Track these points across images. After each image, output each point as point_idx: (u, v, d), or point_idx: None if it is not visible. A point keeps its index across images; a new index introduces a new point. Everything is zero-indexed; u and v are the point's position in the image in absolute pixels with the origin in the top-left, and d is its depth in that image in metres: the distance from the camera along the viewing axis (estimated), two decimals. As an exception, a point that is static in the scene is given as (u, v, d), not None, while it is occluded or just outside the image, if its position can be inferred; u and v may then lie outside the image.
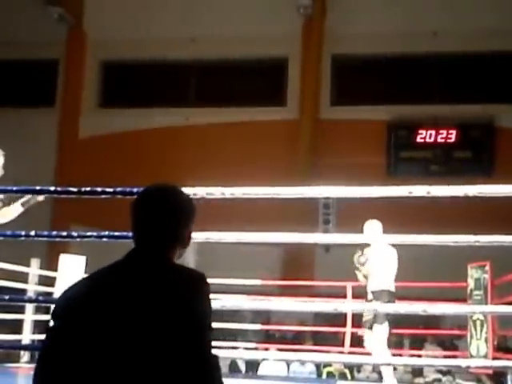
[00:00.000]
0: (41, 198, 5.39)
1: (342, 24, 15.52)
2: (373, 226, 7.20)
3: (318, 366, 10.72)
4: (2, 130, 13.52)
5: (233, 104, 16.09)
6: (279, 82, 16.40)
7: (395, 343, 10.50)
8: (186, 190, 2.88)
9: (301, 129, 15.61)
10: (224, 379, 2.05)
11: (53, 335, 2.06)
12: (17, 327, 9.40)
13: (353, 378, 10.57)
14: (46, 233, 4.79)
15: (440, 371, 9.88)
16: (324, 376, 10.63)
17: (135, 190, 3.93)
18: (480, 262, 8.63)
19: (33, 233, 4.36)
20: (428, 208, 9.79)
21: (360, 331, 7.82)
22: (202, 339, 2.00)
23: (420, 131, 15.21)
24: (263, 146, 15.25)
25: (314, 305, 6.88)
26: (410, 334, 11.36)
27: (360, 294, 7.73)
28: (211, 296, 2.11)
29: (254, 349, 10.38)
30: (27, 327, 9.35)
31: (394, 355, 7.74)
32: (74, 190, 4.37)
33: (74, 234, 4.53)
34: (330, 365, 10.50)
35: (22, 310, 9.32)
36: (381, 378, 7.32)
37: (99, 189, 4.28)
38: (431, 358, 10.11)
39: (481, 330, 8.34)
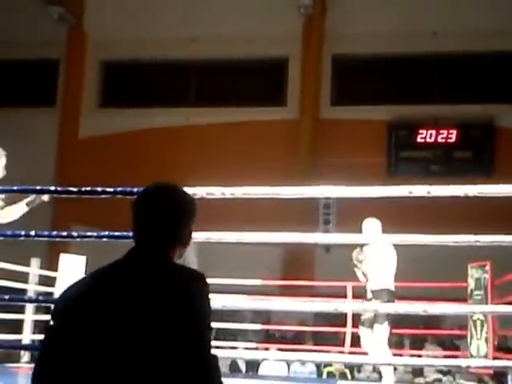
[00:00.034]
0: (46, 198, 5.38)
1: (343, 24, 15.52)
2: (371, 225, 7.21)
3: (318, 365, 10.72)
4: (2, 130, 13.51)
5: (233, 104, 16.09)
6: (279, 82, 16.40)
7: (396, 343, 10.50)
8: (187, 190, 2.87)
9: (301, 129, 15.61)
10: (224, 379, 2.05)
11: (52, 335, 2.06)
12: (17, 327, 9.40)
13: (353, 378, 10.57)
14: (46, 233, 4.79)
15: (440, 371, 9.88)
16: (324, 376, 10.62)
17: (135, 189, 3.93)
18: (480, 262, 8.62)
19: (33, 233, 4.36)
20: (428, 208, 9.79)
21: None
22: (201, 339, 1.99)
23: (420, 131, 15.22)
24: (263, 145, 15.25)
25: (315, 305, 6.88)
26: (410, 333, 11.35)
27: (360, 294, 7.72)
28: (211, 296, 2.11)
29: (255, 349, 10.38)
30: (27, 327, 9.35)
31: (394, 355, 7.73)
32: (74, 189, 4.37)
33: (74, 233, 4.53)
34: (330, 365, 10.50)
35: (22, 310, 9.32)
36: (381, 378, 7.32)
37: (99, 189, 4.28)
38: (431, 358, 10.11)
39: (481, 330, 8.33)
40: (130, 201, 2.27)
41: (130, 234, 2.25)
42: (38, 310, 9.69)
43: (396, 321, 7.57)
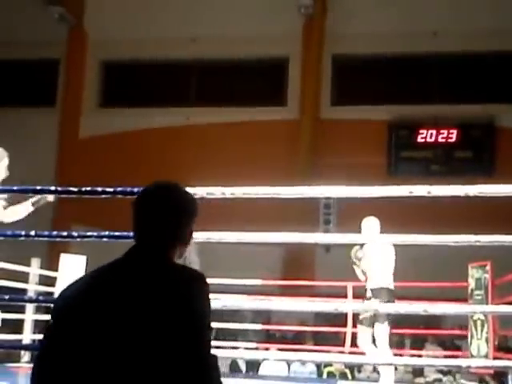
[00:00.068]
0: (51, 198, 5.39)
1: (343, 24, 15.52)
2: (370, 223, 7.21)
3: (318, 365, 10.72)
4: (2, 130, 13.51)
5: (233, 104, 16.09)
6: (280, 82, 16.40)
7: (396, 343, 10.50)
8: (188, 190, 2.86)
9: (301, 129, 15.61)
10: (224, 379, 2.05)
11: (51, 334, 2.06)
12: (17, 327, 9.40)
13: (353, 378, 10.56)
14: (46, 233, 4.78)
15: (441, 371, 9.88)
16: (325, 376, 10.62)
17: (135, 189, 3.93)
18: (481, 262, 8.62)
19: (33, 233, 4.36)
20: (428, 208, 9.79)
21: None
22: (200, 339, 1.99)
23: (421, 131, 15.21)
24: (264, 145, 15.25)
25: (315, 305, 6.88)
26: (410, 333, 11.35)
27: (361, 293, 7.72)
28: (211, 296, 2.11)
29: (255, 349, 10.38)
30: (28, 327, 9.35)
31: (394, 355, 7.73)
32: (75, 189, 4.37)
33: (75, 233, 4.53)
34: (330, 365, 10.50)
35: (22, 310, 9.32)
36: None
37: (99, 189, 4.27)
38: (432, 358, 10.10)
39: (481, 330, 8.33)
40: (131, 201, 2.27)
41: (131, 233, 2.25)
42: (38, 310, 9.69)
43: (396, 321, 7.57)
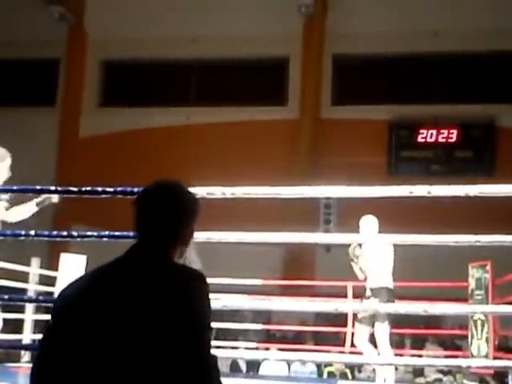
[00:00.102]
0: (55, 199, 5.38)
1: (343, 23, 15.52)
2: (368, 222, 7.21)
3: (318, 365, 10.71)
4: (2, 129, 13.49)
5: (233, 103, 16.09)
6: (280, 82, 16.40)
7: (396, 343, 10.49)
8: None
9: (301, 128, 15.61)
10: (225, 379, 2.05)
11: (51, 334, 2.06)
12: (17, 327, 9.39)
13: (354, 378, 10.56)
14: (46, 232, 4.77)
15: (441, 371, 9.87)
16: (325, 376, 10.62)
17: (136, 189, 3.93)
18: (481, 262, 8.61)
19: (33, 232, 4.36)
20: (429, 208, 9.79)
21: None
22: (200, 339, 1.99)
23: (421, 131, 15.21)
24: (264, 145, 15.25)
25: (315, 305, 6.87)
26: (411, 333, 11.35)
27: (361, 293, 7.71)
28: (211, 296, 2.10)
29: (255, 348, 10.38)
30: (28, 327, 9.34)
31: (395, 355, 7.72)
32: (75, 189, 4.36)
33: (75, 233, 4.52)
34: (330, 364, 10.49)
35: (22, 310, 9.31)
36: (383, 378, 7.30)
37: (99, 188, 4.27)
38: (432, 358, 10.10)
39: (482, 330, 8.33)
40: (131, 200, 2.27)
41: (131, 233, 2.25)
42: (38, 310, 9.69)
43: (397, 321, 7.56)
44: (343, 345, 9.65)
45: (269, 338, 12.69)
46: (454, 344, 11.63)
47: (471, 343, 8.61)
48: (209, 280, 2.12)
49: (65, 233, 4.64)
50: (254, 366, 10.79)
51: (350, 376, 10.55)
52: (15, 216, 5.38)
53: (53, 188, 4.60)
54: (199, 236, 3.95)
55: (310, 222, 13.80)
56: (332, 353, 9.15)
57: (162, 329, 1.93)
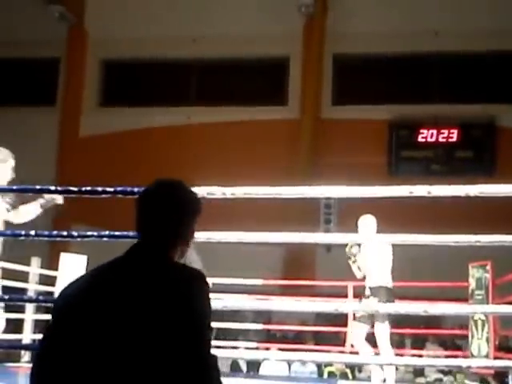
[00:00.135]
0: (60, 200, 5.38)
1: (344, 23, 15.52)
2: (367, 221, 7.20)
3: (319, 365, 10.70)
4: (2, 129, 13.50)
5: (234, 103, 16.09)
6: (280, 82, 16.40)
7: (397, 343, 10.49)
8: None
9: (302, 128, 15.60)
10: (225, 379, 2.04)
11: (51, 333, 2.05)
12: (17, 326, 9.38)
13: (354, 378, 10.55)
14: (46, 232, 4.77)
15: (441, 371, 9.87)
16: (325, 376, 10.61)
17: (136, 189, 3.92)
18: (481, 262, 8.61)
19: (33, 232, 4.35)
20: (429, 207, 9.78)
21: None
22: (200, 339, 1.98)
23: (421, 131, 15.21)
24: (264, 145, 15.25)
25: (315, 305, 6.87)
26: (411, 333, 11.34)
27: (361, 293, 7.71)
28: (212, 295, 2.10)
29: (255, 348, 10.37)
30: (28, 326, 9.34)
31: (395, 355, 7.71)
32: (75, 189, 4.36)
33: (75, 233, 4.51)
34: (331, 364, 10.48)
35: (22, 310, 9.30)
36: (384, 379, 7.30)
37: (99, 188, 4.26)
38: (432, 358, 10.09)
39: (482, 330, 8.32)
40: (131, 200, 2.26)
41: (131, 233, 2.24)
42: (38, 310, 9.68)
43: (397, 320, 7.55)
44: (343, 345, 9.65)
45: (269, 337, 12.67)
46: (455, 344, 11.62)
47: (471, 343, 8.61)
48: (209, 280, 2.11)
49: (65, 233, 4.63)
50: (254, 366, 10.78)
51: (350, 376, 10.54)
52: (23, 216, 5.36)
53: (53, 188, 4.60)
54: (199, 236, 3.94)
55: (311, 222, 13.79)
56: (332, 353, 9.15)
57: (162, 328, 1.93)
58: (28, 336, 9.25)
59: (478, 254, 7.96)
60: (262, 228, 4.59)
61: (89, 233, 4.43)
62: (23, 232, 4.38)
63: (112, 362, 1.90)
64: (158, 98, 16.59)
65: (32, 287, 9.50)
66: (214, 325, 2.08)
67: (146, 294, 1.99)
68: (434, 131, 15.15)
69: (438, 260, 10.89)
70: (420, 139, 15.22)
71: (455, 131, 15.07)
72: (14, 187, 4.66)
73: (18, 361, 8.72)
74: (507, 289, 8.25)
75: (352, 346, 7.77)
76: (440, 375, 9.93)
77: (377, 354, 7.07)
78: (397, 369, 8.17)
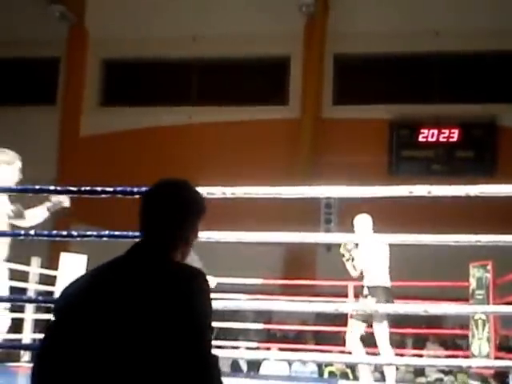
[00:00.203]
0: (67, 203, 5.37)
1: (345, 23, 15.51)
2: (362, 221, 7.19)
3: (319, 365, 10.70)
4: (2, 128, 13.52)
5: (235, 103, 16.09)
6: (281, 81, 16.40)
7: (398, 343, 10.48)
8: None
9: (302, 128, 15.60)
10: (225, 378, 2.03)
11: (52, 333, 2.05)
12: (17, 326, 9.37)
13: (354, 378, 10.54)
14: (45, 232, 4.75)
15: (442, 371, 9.86)
16: (326, 375, 10.60)
17: (136, 189, 3.91)
18: (482, 262, 8.60)
19: (32, 232, 4.34)
20: (429, 207, 9.77)
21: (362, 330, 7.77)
22: (201, 338, 1.98)
23: (422, 130, 15.21)
24: (265, 145, 15.25)
25: (315, 305, 6.86)
26: (412, 333, 11.33)
27: (360, 293, 7.70)
28: (212, 295, 2.09)
29: (256, 348, 10.36)
30: (28, 326, 9.33)
31: (396, 355, 7.71)
32: (74, 189, 4.35)
33: (74, 233, 4.50)
34: (331, 364, 10.47)
35: (22, 309, 9.29)
36: (383, 378, 7.30)
37: (99, 188, 4.25)
38: (433, 358, 10.08)
39: (483, 330, 8.31)
40: (131, 200, 2.26)
41: (131, 233, 2.24)
42: (38, 310, 9.67)
43: (398, 320, 7.54)
44: (344, 344, 9.64)
45: (269, 337, 12.68)
46: (455, 344, 11.62)
47: (472, 343, 8.60)
48: (209, 279, 2.10)
49: (65, 232, 4.62)
50: (254, 366, 10.78)
51: (350, 376, 10.54)
52: (30, 220, 5.35)
53: (52, 188, 4.59)
54: (199, 236, 3.93)
55: (311, 222, 13.79)
56: (333, 353, 9.14)
57: (162, 328, 1.93)
58: (28, 336, 9.24)
59: (479, 254, 7.96)
60: (262, 228, 4.58)
61: (89, 232, 4.42)
62: (23, 232, 4.37)
63: (113, 361, 1.90)
64: (159, 97, 16.58)
65: (32, 287, 9.49)
66: (214, 324, 2.07)
67: (146, 294, 1.99)
68: (435, 131, 15.14)
69: (438, 260, 10.88)
70: (421, 139, 15.22)
71: (456, 131, 15.07)
72: (14, 187, 4.65)
73: (17, 360, 8.71)
74: (508, 289, 8.24)
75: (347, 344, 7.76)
76: (441, 375, 9.93)
77: (376, 354, 7.07)
78: (397, 369, 8.16)
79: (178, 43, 16.15)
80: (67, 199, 5.33)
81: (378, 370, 9.63)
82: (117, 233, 4.24)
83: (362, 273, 7.27)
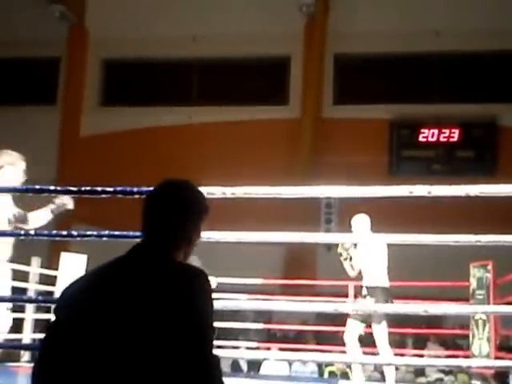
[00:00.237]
0: (71, 205, 5.36)
1: (345, 23, 15.51)
2: (360, 221, 7.19)
3: (319, 365, 10.70)
4: (2, 128, 13.53)
5: (235, 103, 16.08)
6: (281, 81, 16.40)
7: (398, 343, 10.48)
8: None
9: (302, 128, 15.60)
10: (226, 378, 2.03)
11: (53, 333, 2.05)
12: (17, 326, 9.37)
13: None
14: (45, 232, 4.75)
15: (443, 371, 9.86)
16: (326, 375, 10.60)
17: (135, 189, 3.91)
18: (482, 262, 8.60)
19: (32, 232, 4.34)
20: (430, 207, 9.77)
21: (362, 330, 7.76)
22: (202, 338, 1.98)
23: (422, 130, 15.20)
24: (265, 144, 15.24)
25: (315, 305, 6.86)
26: (412, 333, 11.33)
27: (358, 293, 7.70)
28: (213, 295, 2.09)
29: (256, 348, 10.36)
30: (28, 326, 9.33)
31: (396, 355, 7.71)
32: (74, 189, 4.34)
33: (74, 233, 4.50)
34: (331, 364, 10.47)
35: (22, 309, 9.29)
36: (383, 378, 7.30)
37: (99, 188, 4.24)
38: (433, 358, 10.08)
39: (483, 330, 8.31)
40: (131, 200, 2.26)
41: (131, 233, 2.24)
42: (38, 309, 9.67)
43: (398, 320, 7.53)
44: (344, 344, 9.62)
45: (270, 337, 12.68)
46: (456, 344, 11.61)
47: (472, 343, 8.60)
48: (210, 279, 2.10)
49: (64, 232, 4.62)
50: (254, 366, 10.78)
51: (351, 376, 10.52)
52: (34, 223, 5.34)
53: (52, 188, 4.58)
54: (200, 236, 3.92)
55: (311, 221, 13.79)
56: (333, 352, 9.13)
57: (163, 328, 1.93)
58: (28, 336, 9.24)
59: (479, 254, 7.96)
60: (262, 227, 4.58)
61: (89, 232, 4.42)
62: (22, 231, 4.37)
63: (114, 361, 1.90)
64: (159, 97, 16.58)
65: (32, 287, 9.49)
66: (215, 324, 2.06)
67: (147, 294, 1.99)
68: (435, 131, 15.14)
69: (438, 260, 10.87)
70: (421, 139, 15.21)
71: (456, 131, 15.06)
72: (14, 187, 4.65)
73: (17, 360, 8.71)
74: (508, 289, 8.24)
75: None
76: (441, 375, 9.92)
77: (376, 354, 7.07)
78: (397, 368, 8.17)
79: (177, 43, 16.15)
80: (71, 201, 5.32)
81: (378, 370, 9.62)
82: (117, 233, 4.24)
83: (360, 273, 7.27)
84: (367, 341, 7.30)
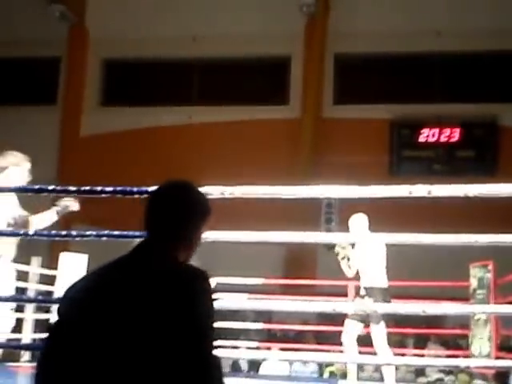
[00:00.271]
0: (75, 207, 5.35)
1: (345, 23, 15.50)
2: (358, 221, 7.19)
3: (320, 365, 10.69)
4: (3, 128, 13.53)
5: (235, 102, 16.08)
6: (282, 81, 16.39)
7: (399, 343, 10.46)
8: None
9: (303, 127, 15.59)
10: (226, 378, 2.03)
11: (55, 333, 2.05)
12: (17, 326, 9.36)
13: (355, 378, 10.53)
14: (45, 232, 4.75)
15: (443, 371, 9.85)
16: (326, 375, 10.59)
17: (135, 189, 3.90)
18: (483, 262, 8.60)
19: (32, 232, 4.34)
20: (430, 207, 9.75)
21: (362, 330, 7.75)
22: (203, 339, 1.98)
23: (423, 130, 15.20)
24: (265, 144, 15.24)
25: (316, 305, 6.85)
26: (413, 333, 11.32)
27: (357, 293, 7.70)
28: (213, 295, 2.09)
29: (256, 348, 10.36)
30: (28, 326, 9.32)
31: (397, 355, 7.70)
32: (74, 189, 4.34)
33: (74, 233, 4.50)
34: (332, 364, 10.46)
35: (22, 309, 9.28)
36: (383, 378, 7.29)
37: (99, 188, 4.24)
38: (433, 358, 10.07)
39: (484, 330, 8.31)
40: (131, 200, 2.26)
41: (130, 233, 2.23)
42: (38, 309, 9.67)
43: (399, 320, 7.52)
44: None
45: (270, 337, 12.67)
46: (457, 343, 11.59)
47: (473, 343, 8.59)
48: (210, 279, 2.10)
49: (64, 232, 4.62)
50: (255, 366, 10.77)
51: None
52: (38, 225, 5.33)
53: (51, 187, 4.58)
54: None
55: (312, 221, 13.78)
56: (333, 352, 9.13)
57: (164, 328, 1.93)
58: (28, 336, 9.24)
59: (479, 254, 7.95)
60: (262, 227, 4.58)
61: (88, 232, 4.41)
62: (22, 231, 4.37)
63: (115, 361, 1.90)
64: (159, 97, 16.58)
65: (32, 287, 9.49)
66: (215, 324, 2.06)
67: (149, 294, 1.99)
68: (436, 131, 15.13)
69: (439, 259, 10.88)
70: (421, 139, 15.21)
71: (457, 131, 15.06)
72: (13, 187, 4.64)
73: (17, 360, 8.71)
74: (508, 289, 8.24)
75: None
76: (441, 375, 9.91)
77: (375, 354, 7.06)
78: (397, 368, 8.16)
79: (177, 43, 16.15)
80: (76, 203, 5.31)
81: (378, 371, 9.60)
82: (117, 233, 4.24)
83: (357, 272, 7.27)
84: (367, 341, 7.29)
